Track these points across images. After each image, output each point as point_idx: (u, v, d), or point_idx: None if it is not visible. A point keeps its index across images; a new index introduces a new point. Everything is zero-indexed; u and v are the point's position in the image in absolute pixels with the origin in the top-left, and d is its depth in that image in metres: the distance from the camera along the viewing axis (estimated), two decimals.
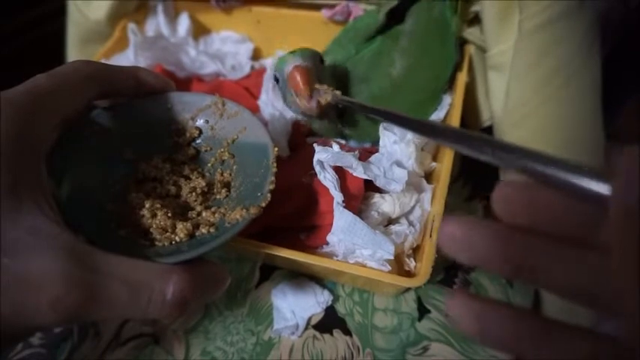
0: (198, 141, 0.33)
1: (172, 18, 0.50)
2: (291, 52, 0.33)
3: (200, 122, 0.33)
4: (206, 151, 0.33)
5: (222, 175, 0.32)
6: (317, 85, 0.33)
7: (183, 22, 0.50)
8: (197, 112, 0.33)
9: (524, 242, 0.16)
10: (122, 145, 0.31)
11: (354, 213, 0.31)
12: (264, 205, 0.27)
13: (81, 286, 0.21)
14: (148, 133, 0.32)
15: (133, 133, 0.31)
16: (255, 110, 0.42)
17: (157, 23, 0.49)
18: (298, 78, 0.32)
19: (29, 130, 0.23)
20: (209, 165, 0.33)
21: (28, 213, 0.21)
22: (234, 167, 0.32)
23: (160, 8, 0.49)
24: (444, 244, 0.17)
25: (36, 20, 0.61)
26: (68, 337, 0.37)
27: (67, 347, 0.36)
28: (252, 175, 0.30)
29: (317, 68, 0.33)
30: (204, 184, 0.31)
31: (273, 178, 0.28)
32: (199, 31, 0.52)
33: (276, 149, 0.29)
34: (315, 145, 0.33)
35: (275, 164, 0.28)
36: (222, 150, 0.32)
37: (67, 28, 0.49)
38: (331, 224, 0.32)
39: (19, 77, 0.25)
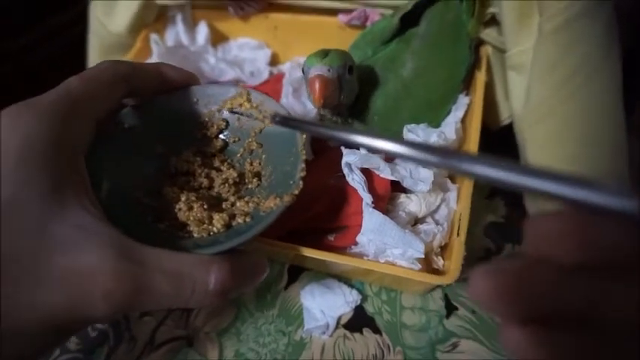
0: (225, 132, 0.34)
1: (191, 27, 0.51)
2: (324, 56, 0.33)
3: (226, 114, 0.33)
4: (234, 142, 0.34)
5: (251, 164, 0.32)
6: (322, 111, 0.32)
7: (202, 31, 0.51)
8: (223, 104, 0.33)
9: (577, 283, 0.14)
10: (153, 141, 0.32)
11: (382, 213, 0.32)
12: (297, 192, 0.27)
13: (129, 279, 0.22)
14: (176, 128, 0.33)
15: (162, 128, 0.32)
16: None
17: (176, 32, 0.50)
18: (317, 87, 0.32)
19: (67, 133, 0.24)
20: (238, 155, 0.33)
21: (73, 211, 0.22)
22: (263, 156, 0.32)
23: (179, 18, 0.50)
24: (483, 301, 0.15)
25: (54, 29, 0.62)
26: (104, 341, 0.38)
27: (104, 352, 0.37)
28: (282, 163, 0.30)
29: (343, 77, 0.33)
30: (235, 174, 0.32)
31: (303, 165, 0.28)
32: (217, 38, 0.53)
33: (304, 136, 0.29)
34: (342, 148, 0.34)
35: (304, 151, 0.29)
36: (250, 140, 0.33)
37: (88, 38, 0.51)
38: (359, 225, 0.33)
39: (44, 84, 0.26)
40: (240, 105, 0.32)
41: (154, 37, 0.47)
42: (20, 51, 0.68)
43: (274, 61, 0.53)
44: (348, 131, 0.22)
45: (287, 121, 0.28)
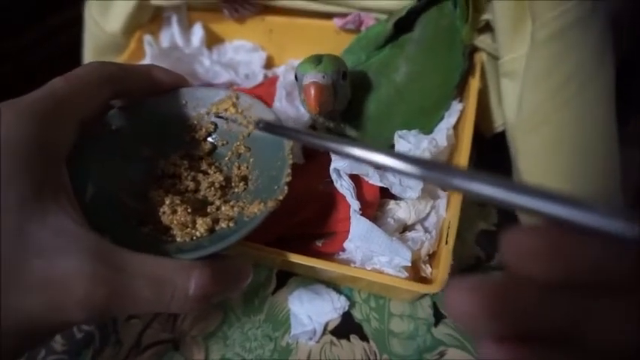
0: (214, 135, 0.34)
1: (186, 28, 0.51)
2: (318, 62, 0.32)
3: (215, 117, 0.33)
4: (222, 145, 0.34)
5: (239, 168, 0.32)
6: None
7: (197, 33, 0.51)
8: (211, 107, 0.33)
9: (560, 301, 0.14)
10: (139, 143, 0.32)
11: (370, 220, 0.32)
12: (281, 197, 0.27)
13: (107, 285, 0.22)
14: (164, 130, 0.33)
15: (149, 130, 0.32)
16: None
17: (171, 34, 0.50)
18: (312, 94, 0.32)
19: (49, 135, 0.24)
20: (226, 159, 0.33)
21: (53, 215, 0.22)
22: (251, 160, 0.32)
23: (174, 19, 0.50)
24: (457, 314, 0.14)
25: (54, 29, 0.63)
26: (90, 343, 0.37)
27: (89, 354, 0.37)
28: (268, 167, 0.30)
29: (337, 83, 0.33)
30: (221, 178, 0.31)
31: (289, 171, 0.28)
32: (213, 40, 0.53)
33: (291, 142, 0.29)
34: (331, 153, 0.33)
35: (291, 156, 0.29)
36: (238, 144, 0.33)
37: (83, 39, 0.50)
38: (347, 231, 0.32)
39: (39, 85, 0.26)
40: (226, 110, 0.32)
41: (147, 38, 0.47)
42: (20, 51, 0.68)
43: (269, 63, 0.53)
44: (333, 141, 0.22)
45: (271, 127, 0.27)
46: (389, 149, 0.19)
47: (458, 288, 0.14)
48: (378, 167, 0.20)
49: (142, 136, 0.32)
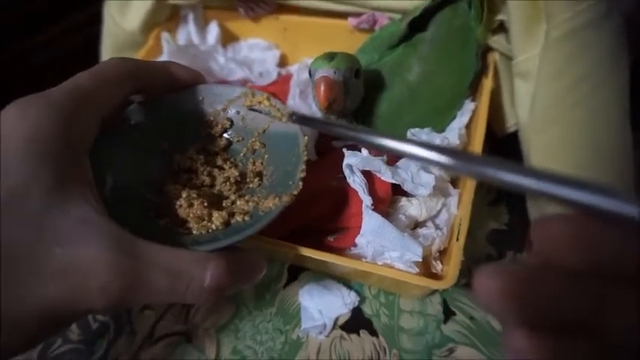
0: (229, 132, 0.34)
1: (202, 26, 0.52)
2: (330, 59, 0.33)
3: (231, 113, 0.34)
4: (238, 141, 0.34)
5: (254, 164, 0.33)
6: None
7: (213, 31, 0.52)
8: (228, 104, 0.34)
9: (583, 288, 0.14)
10: (158, 137, 0.33)
11: (382, 216, 0.32)
12: (296, 192, 0.28)
13: (126, 274, 0.22)
14: (182, 126, 0.33)
15: (167, 126, 0.33)
16: None
17: (187, 32, 0.51)
18: (322, 89, 0.32)
19: (74, 129, 0.25)
20: (241, 155, 0.34)
21: (76, 204, 0.23)
22: (266, 156, 0.33)
23: (190, 17, 0.51)
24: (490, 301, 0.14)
25: (73, 27, 0.64)
26: (105, 333, 0.38)
27: (104, 343, 0.38)
28: (283, 163, 0.31)
29: (349, 81, 0.34)
30: (237, 173, 0.32)
31: (304, 167, 0.29)
32: (228, 38, 0.53)
33: (305, 137, 0.30)
34: (344, 149, 0.34)
35: (305, 152, 0.29)
36: (253, 140, 0.33)
37: (102, 36, 0.51)
38: (359, 227, 0.33)
39: (58, 82, 0.26)
40: (260, 103, 0.32)
41: (165, 35, 0.48)
42: (39, 48, 0.69)
43: (283, 62, 0.53)
44: (365, 132, 0.22)
45: (304, 119, 0.28)
46: (419, 141, 0.19)
47: (487, 273, 0.14)
48: (410, 158, 0.21)
49: (160, 131, 0.33)
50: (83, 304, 0.22)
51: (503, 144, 0.43)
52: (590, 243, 0.14)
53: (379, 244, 0.31)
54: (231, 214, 0.29)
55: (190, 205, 0.29)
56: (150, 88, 0.31)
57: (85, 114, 0.26)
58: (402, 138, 0.20)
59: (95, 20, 0.51)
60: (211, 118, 0.34)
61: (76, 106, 0.25)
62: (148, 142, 0.32)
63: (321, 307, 0.37)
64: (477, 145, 0.36)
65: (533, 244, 0.15)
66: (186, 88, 0.33)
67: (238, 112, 0.34)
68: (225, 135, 0.35)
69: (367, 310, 0.37)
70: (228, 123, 0.34)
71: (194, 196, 0.30)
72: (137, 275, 0.23)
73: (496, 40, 0.41)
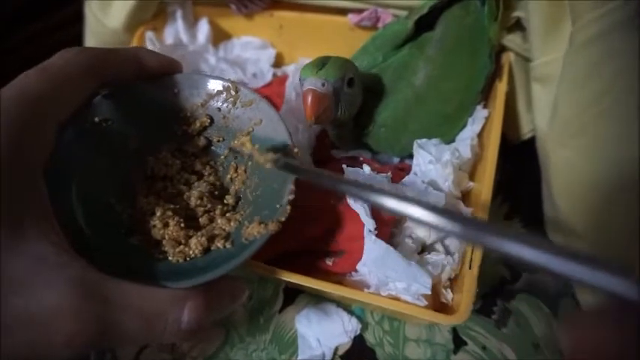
0: (209, 130, 0.31)
1: (192, 24, 0.49)
2: (320, 67, 0.30)
3: (211, 109, 0.30)
4: (218, 141, 0.31)
5: (236, 171, 0.29)
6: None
7: (203, 28, 0.48)
8: (208, 98, 0.30)
9: None
10: (126, 135, 0.29)
11: (386, 239, 0.29)
12: (283, 219, 0.25)
13: (94, 321, 0.20)
14: (154, 121, 0.29)
15: (137, 121, 0.29)
16: None
17: (176, 30, 0.48)
18: (309, 102, 0.30)
19: (23, 144, 0.21)
20: (222, 157, 0.30)
21: (33, 242, 0.20)
22: (249, 163, 0.29)
23: (178, 14, 0.47)
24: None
25: (53, 26, 0.60)
26: None
27: None
28: (270, 177, 0.27)
29: (340, 91, 0.31)
30: (217, 183, 0.29)
31: (292, 187, 0.25)
32: (219, 36, 0.50)
33: (296, 150, 0.26)
34: (344, 166, 0.31)
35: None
36: (235, 142, 0.29)
37: (84, 36, 0.48)
38: (360, 250, 0.30)
39: None
40: (243, 145, 0.28)
41: (149, 35, 0.45)
42: (18, 47, 0.66)
43: (279, 62, 0.50)
44: (361, 187, 0.20)
45: (291, 167, 0.24)
46: (423, 201, 0.17)
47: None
48: (412, 221, 0.19)
49: (128, 127, 0.28)
50: (48, 355, 0.19)
51: (515, 151, 0.39)
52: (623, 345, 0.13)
53: (383, 274, 0.28)
54: (211, 239, 0.26)
55: (166, 225, 0.26)
56: (116, 79, 0.27)
57: (37, 124, 0.22)
58: (403, 197, 0.18)
59: (77, 19, 0.48)
60: (188, 114, 0.30)
61: (26, 114, 0.21)
62: (116, 141, 0.28)
63: (319, 334, 0.34)
64: (491, 157, 0.33)
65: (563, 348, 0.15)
66: (160, 78, 0.29)
67: (219, 109, 0.30)
68: (204, 134, 0.31)
69: (370, 338, 0.34)
70: (208, 121, 0.30)
71: (169, 214, 0.26)
72: (106, 321, 0.20)
73: (511, 39, 0.38)
